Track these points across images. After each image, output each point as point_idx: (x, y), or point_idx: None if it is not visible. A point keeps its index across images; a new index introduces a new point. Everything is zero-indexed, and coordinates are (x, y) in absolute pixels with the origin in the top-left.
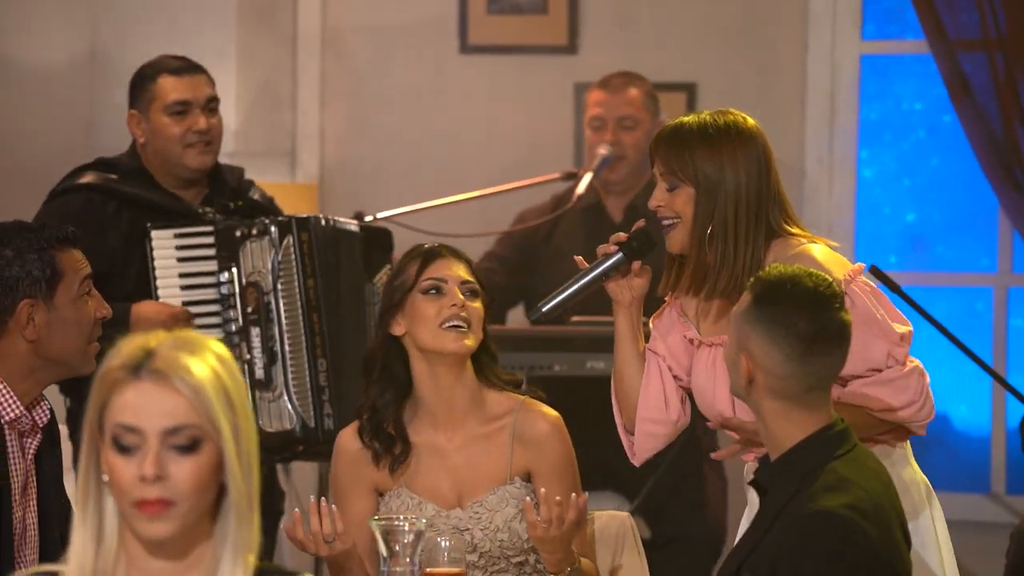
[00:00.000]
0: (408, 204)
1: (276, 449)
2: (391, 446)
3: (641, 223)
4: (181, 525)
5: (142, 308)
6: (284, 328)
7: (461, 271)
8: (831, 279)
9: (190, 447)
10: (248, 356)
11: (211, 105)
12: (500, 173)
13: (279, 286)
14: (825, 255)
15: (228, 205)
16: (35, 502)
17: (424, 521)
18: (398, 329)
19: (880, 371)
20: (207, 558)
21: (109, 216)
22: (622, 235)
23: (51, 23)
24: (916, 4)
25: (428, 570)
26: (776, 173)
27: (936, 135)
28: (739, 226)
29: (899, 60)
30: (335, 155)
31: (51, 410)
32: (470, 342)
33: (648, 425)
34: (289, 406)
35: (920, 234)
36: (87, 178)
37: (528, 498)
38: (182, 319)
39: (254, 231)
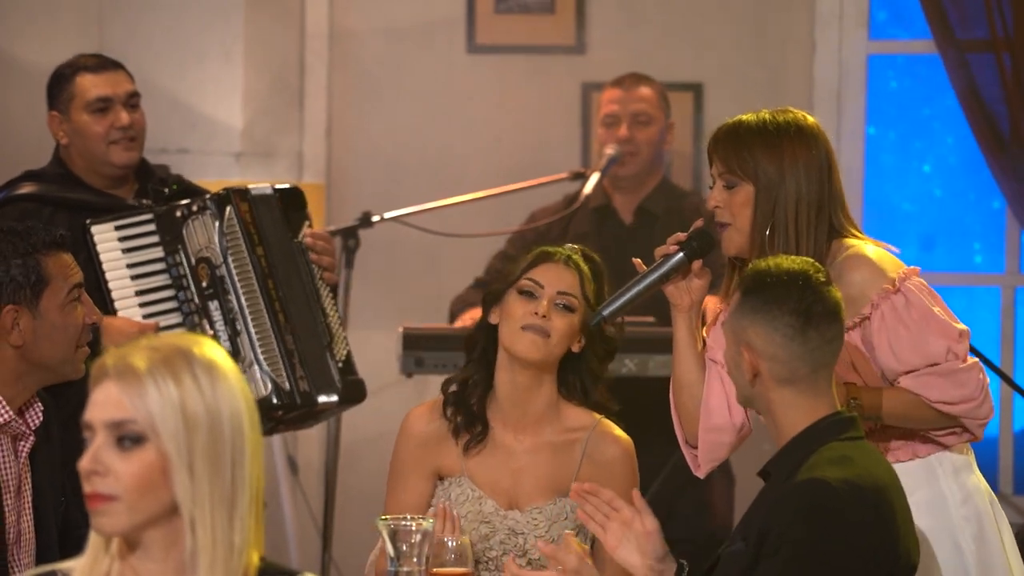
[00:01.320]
0: (416, 204)
1: None
2: (472, 424)
3: (700, 223)
4: (129, 522)
5: (111, 321)
6: (242, 298)
7: (567, 281)
8: (813, 260)
9: (131, 442)
10: (211, 331)
11: (132, 101)
12: (508, 173)
13: (229, 258)
14: (879, 255)
15: (163, 191)
16: (30, 505)
17: (431, 521)
18: (494, 318)
19: (938, 364)
20: (189, 563)
21: (45, 220)
22: (682, 235)
23: (57, 22)
24: (924, 4)
25: (435, 570)
26: (837, 173)
27: (944, 136)
28: (800, 226)
29: (907, 60)
30: (343, 155)
31: (44, 411)
32: (540, 353)
33: (713, 435)
34: (260, 374)
35: (928, 234)
36: (18, 190)
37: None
38: (150, 332)
39: (194, 208)
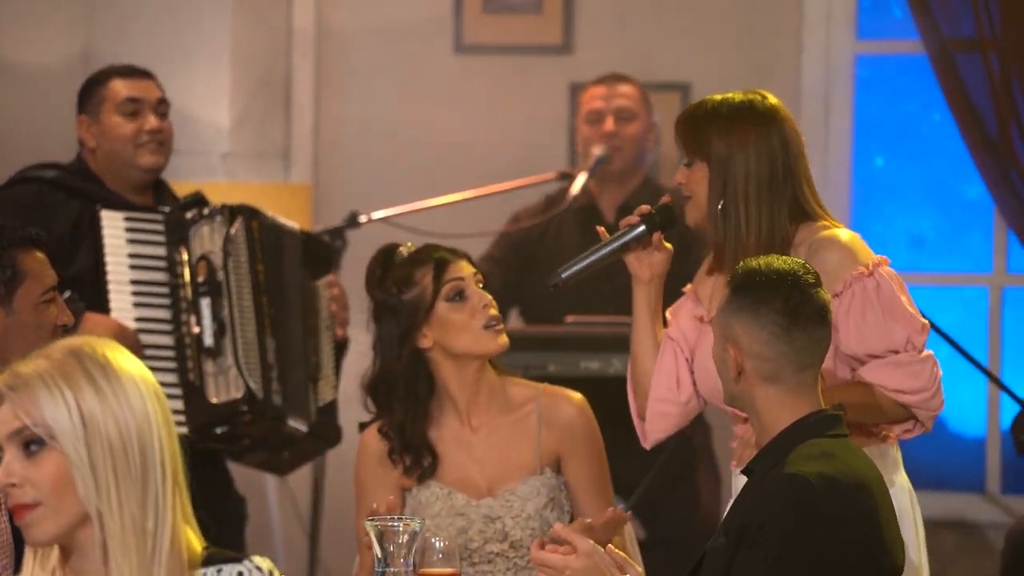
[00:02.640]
0: (403, 204)
1: (221, 420)
2: (420, 460)
3: (666, 198)
4: (56, 527)
5: (92, 316)
6: (235, 303)
7: (467, 267)
8: (803, 261)
9: (36, 446)
10: (198, 328)
11: (162, 108)
12: (495, 173)
13: (230, 264)
14: (852, 239)
15: (177, 199)
16: (6, 507)
17: (419, 521)
18: (425, 342)
19: (897, 353)
20: (101, 555)
21: (58, 201)
22: (646, 207)
23: (45, 24)
24: (911, 4)
25: (422, 571)
26: (801, 156)
27: (930, 136)
28: (749, 202)
29: (894, 60)
30: (330, 156)
31: None
32: (505, 337)
33: (659, 405)
34: (236, 375)
35: (916, 234)
36: (34, 172)
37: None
38: (129, 336)
39: (204, 212)
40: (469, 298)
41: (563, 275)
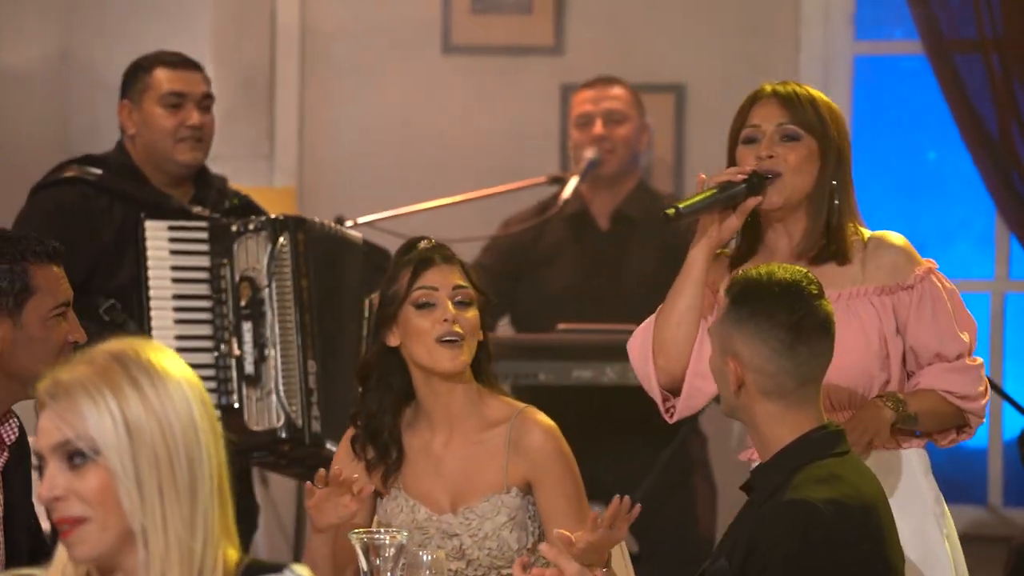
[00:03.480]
0: (390, 208)
1: (260, 447)
2: (385, 455)
3: (756, 165)
4: (101, 544)
5: None
6: (276, 326)
7: (454, 277)
8: (806, 270)
9: (81, 459)
10: (239, 352)
11: (205, 103)
12: (484, 177)
13: (273, 283)
14: (906, 241)
15: (223, 203)
16: (1, 520)
17: (405, 534)
18: (393, 340)
19: (961, 357)
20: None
21: (102, 209)
22: (748, 168)
23: (24, 24)
24: (911, 4)
25: None
26: None
27: (932, 138)
28: (850, 189)
29: (894, 61)
30: (315, 158)
31: (20, 427)
32: (464, 357)
33: (698, 380)
34: (276, 404)
35: (915, 238)
36: (75, 172)
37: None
38: None
39: (250, 227)
40: (436, 308)
41: (683, 210)
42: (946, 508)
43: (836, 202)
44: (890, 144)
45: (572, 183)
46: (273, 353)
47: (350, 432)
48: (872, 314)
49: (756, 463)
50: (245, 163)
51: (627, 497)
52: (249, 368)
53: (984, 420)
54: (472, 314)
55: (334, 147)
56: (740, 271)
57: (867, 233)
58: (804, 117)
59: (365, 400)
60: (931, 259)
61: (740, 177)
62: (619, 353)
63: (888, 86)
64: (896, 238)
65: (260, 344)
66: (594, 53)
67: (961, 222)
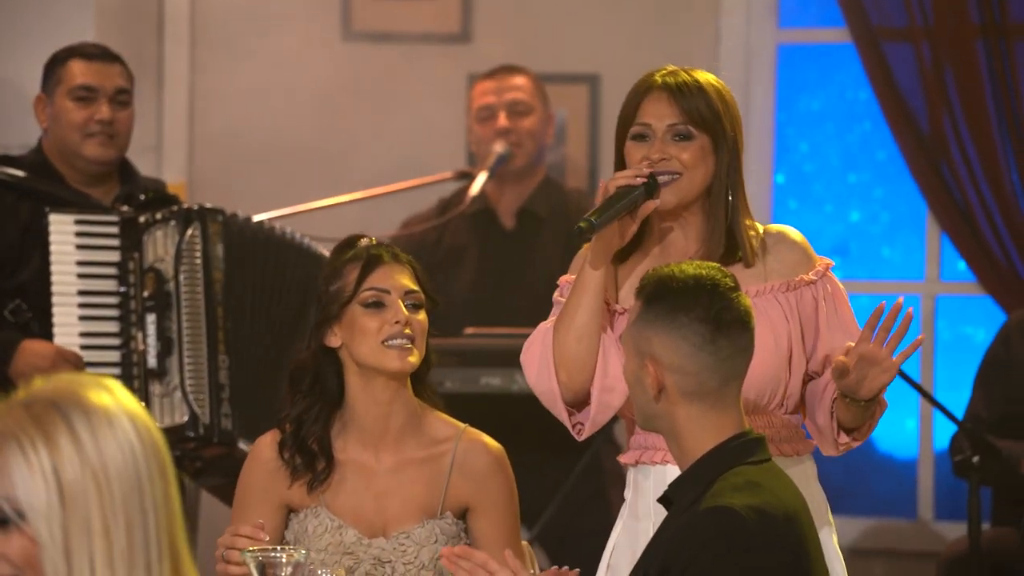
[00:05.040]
0: (286, 205)
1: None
2: (313, 463)
3: (651, 166)
4: None
5: (30, 344)
6: (183, 317)
7: (405, 279)
8: (718, 265)
9: (3, 523)
10: (142, 346)
11: (120, 97)
12: (387, 172)
13: (181, 275)
14: (803, 236)
15: (138, 197)
16: None
17: (304, 552)
18: (334, 341)
19: None
20: None
21: (7, 206)
22: (645, 170)
23: None
24: None
25: None
26: None
27: (858, 132)
28: (744, 187)
29: (819, 50)
30: (206, 152)
31: None
32: (414, 359)
33: (607, 396)
34: (182, 399)
35: (841, 237)
36: None
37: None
38: (71, 361)
39: (159, 216)
40: (386, 308)
41: (596, 224)
42: (831, 518)
43: (731, 198)
44: (815, 137)
45: (480, 179)
46: (179, 346)
47: (272, 435)
48: (779, 313)
49: (641, 466)
50: (132, 157)
51: (565, 570)
52: (152, 362)
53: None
54: (423, 317)
55: (227, 140)
56: (650, 271)
57: (762, 228)
58: (695, 113)
59: (296, 403)
60: (827, 257)
61: (639, 180)
62: None
63: (813, 76)
64: (794, 233)
65: (165, 337)
66: (503, 41)
67: (890, 220)
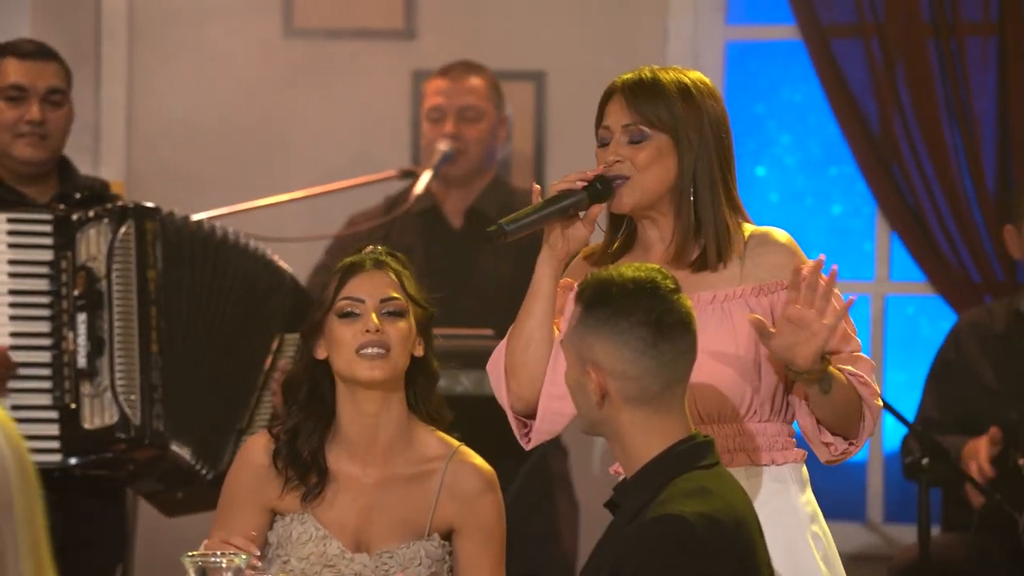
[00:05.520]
0: (227, 204)
1: (95, 449)
2: (307, 476)
3: (600, 169)
4: None
5: None
6: (115, 316)
7: (383, 286)
8: (659, 266)
9: None
10: (73, 346)
11: (53, 97)
12: (330, 171)
13: (113, 273)
14: (790, 238)
15: (74, 195)
16: None
17: (244, 557)
18: (321, 352)
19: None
20: None
21: None
22: (590, 173)
23: None
24: None
25: None
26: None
27: (809, 130)
28: (716, 187)
29: (768, 47)
30: (144, 150)
31: None
32: (382, 372)
33: (555, 403)
34: (110, 401)
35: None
36: None
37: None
38: (0, 361)
39: (91, 214)
40: (361, 317)
41: (507, 227)
42: (826, 528)
43: (692, 197)
44: (764, 135)
45: (424, 178)
46: (109, 346)
47: (264, 438)
48: (746, 317)
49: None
50: (69, 154)
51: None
52: (82, 362)
53: (872, 431)
54: (402, 325)
55: (165, 138)
56: (588, 275)
57: (750, 229)
58: (650, 114)
59: (292, 414)
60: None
61: (580, 184)
62: (474, 361)
63: (762, 74)
64: (780, 235)
65: (95, 336)
66: (448, 37)
67: (839, 219)
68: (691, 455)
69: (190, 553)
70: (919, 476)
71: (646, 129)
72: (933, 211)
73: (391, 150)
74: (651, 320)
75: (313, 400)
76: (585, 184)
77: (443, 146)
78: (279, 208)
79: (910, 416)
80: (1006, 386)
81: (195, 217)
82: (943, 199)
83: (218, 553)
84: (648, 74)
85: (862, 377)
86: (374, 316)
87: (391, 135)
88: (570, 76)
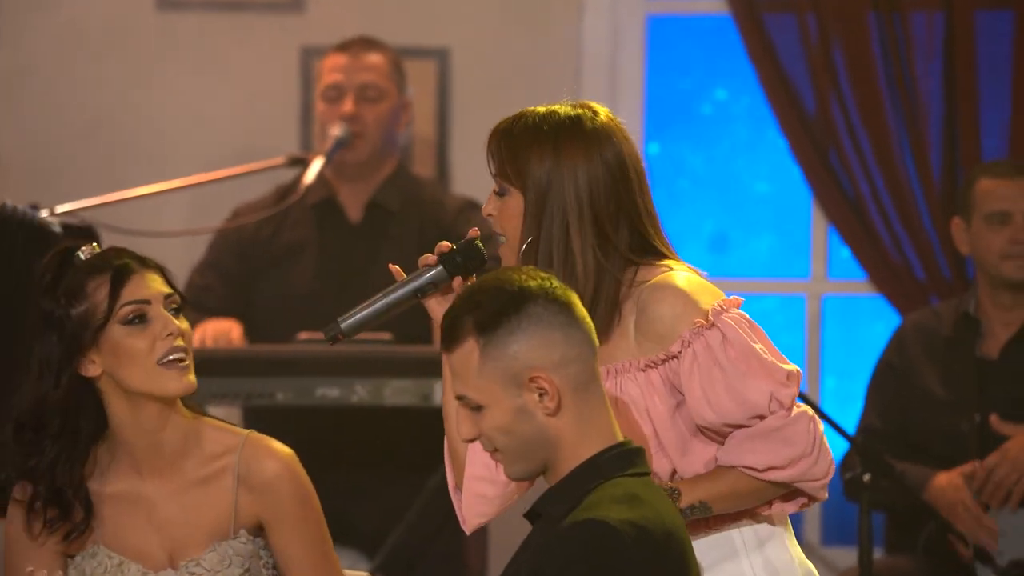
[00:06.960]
0: (96, 194)
1: None
2: (69, 514)
3: (474, 232)
4: None
5: None
6: None
7: (158, 283)
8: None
9: None
10: None
11: None
12: (211, 158)
13: None
14: (691, 283)
15: None
16: None
17: None
18: (92, 370)
19: (762, 417)
20: None
21: None
22: (446, 244)
23: None
24: None
25: None
26: (639, 184)
27: (737, 112)
28: (569, 244)
29: (693, 21)
30: (8, 136)
31: None
32: (193, 375)
33: (477, 485)
34: None
35: (720, 234)
36: None
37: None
38: None
39: None
40: (151, 322)
41: (342, 325)
42: None
43: (551, 258)
44: (689, 120)
45: (316, 165)
46: None
47: (15, 505)
48: (637, 394)
49: None
50: None
51: None
52: None
53: (830, 476)
54: (187, 325)
55: (28, 121)
56: (447, 313)
57: (650, 278)
58: (500, 166)
59: (44, 450)
60: (733, 297)
61: (433, 259)
62: (371, 368)
63: (687, 50)
64: (669, 290)
65: None
66: (340, 11)
67: (771, 211)
68: (620, 461)
69: None
70: (859, 495)
71: (505, 184)
72: (874, 202)
73: (278, 135)
74: (551, 297)
75: (68, 431)
76: (440, 256)
77: (336, 131)
78: (155, 199)
79: (850, 428)
80: (953, 394)
81: (61, 208)
82: (884, 189)
83: None
84: (521, 121)
85: (758, 468)
86: (168, 316)
87: (278, 118)
88: (476, 54)
